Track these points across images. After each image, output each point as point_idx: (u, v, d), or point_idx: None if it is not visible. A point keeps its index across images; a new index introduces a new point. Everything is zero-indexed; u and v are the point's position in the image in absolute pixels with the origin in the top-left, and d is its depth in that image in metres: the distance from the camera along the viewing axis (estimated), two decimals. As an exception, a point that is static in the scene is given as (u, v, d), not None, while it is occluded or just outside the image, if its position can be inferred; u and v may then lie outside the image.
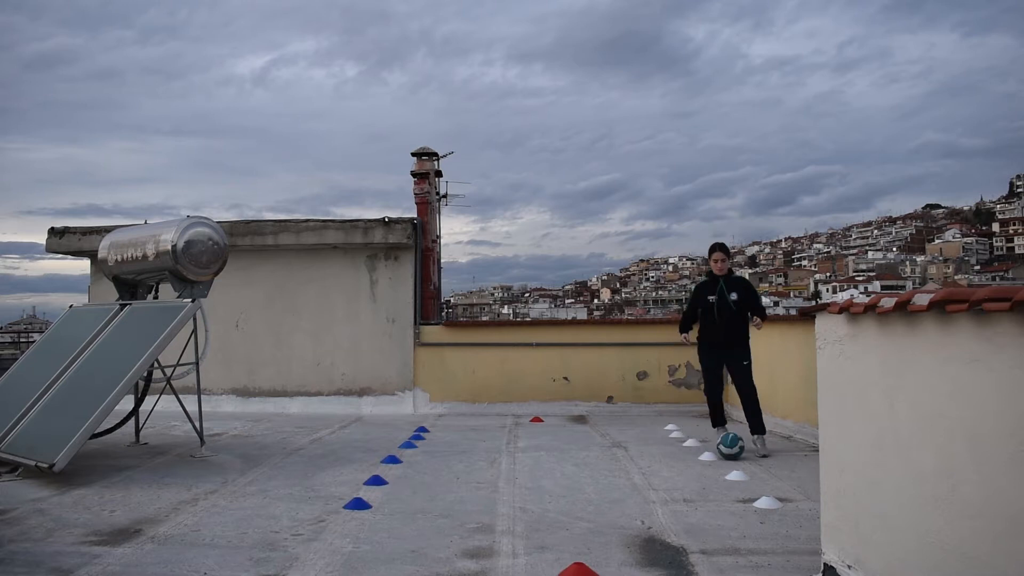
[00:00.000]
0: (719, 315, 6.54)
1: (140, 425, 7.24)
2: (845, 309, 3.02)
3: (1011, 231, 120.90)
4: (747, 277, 6.42)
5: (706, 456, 6.29)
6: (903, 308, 2.59)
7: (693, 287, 6.71)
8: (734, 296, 6.50)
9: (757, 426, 6.53)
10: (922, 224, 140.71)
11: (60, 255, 10.81)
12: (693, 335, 6.92)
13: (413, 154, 12.36)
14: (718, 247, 6.70)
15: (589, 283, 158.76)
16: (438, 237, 12.61)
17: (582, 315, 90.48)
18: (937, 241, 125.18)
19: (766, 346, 8.64)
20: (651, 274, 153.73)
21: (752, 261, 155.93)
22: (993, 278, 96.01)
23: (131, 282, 7.22)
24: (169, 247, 6.47)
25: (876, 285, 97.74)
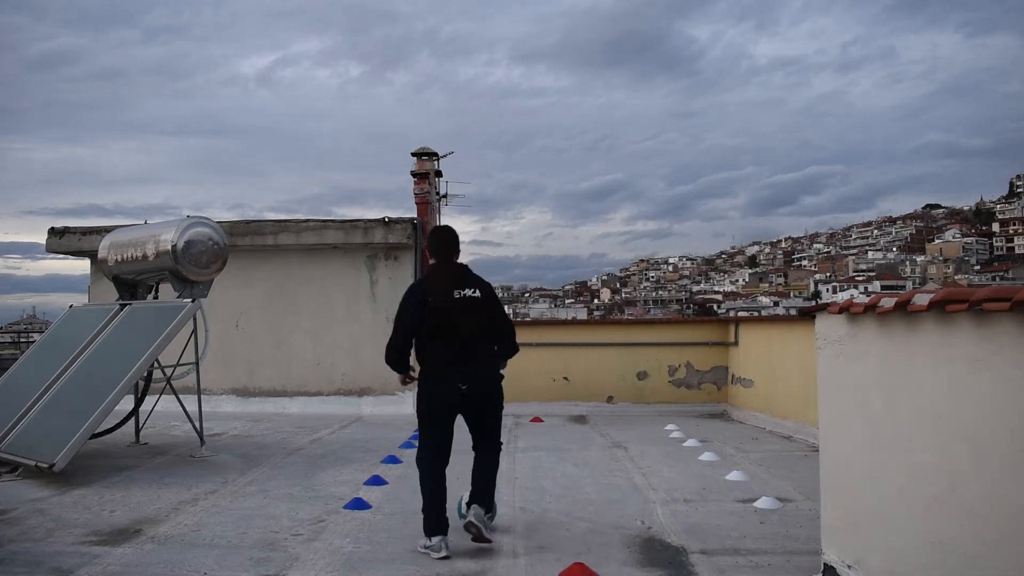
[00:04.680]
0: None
1: (140, 425, 7.23)
2: (845, 309, 3.02)
3: (1011, 231, 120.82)
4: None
5: (706, 456, 6.28)
6: (903, 308, 2.59)
7: None
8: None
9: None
10: (922, 224, 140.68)
11: (60, 255, 10.82)
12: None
13: (413, 154, 12.37)
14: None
15: (589, 283, 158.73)
16: (438, 237, 12.59)
17: (582, 315, 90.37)
18: (937, 241, 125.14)
19: (766, 346, 8.64)
20: (651, 274, 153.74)
21: (752, 261, 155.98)
22: (993, 278, 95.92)
23: (131, 282, 7.22)
24: (169, 247, 6.47)
25: (876, 285, 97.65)
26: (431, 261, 4.21)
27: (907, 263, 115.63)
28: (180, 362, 6.79)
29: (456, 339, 3.95)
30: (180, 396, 6.66)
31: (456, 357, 3.93)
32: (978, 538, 2.32)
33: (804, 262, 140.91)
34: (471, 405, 4.00)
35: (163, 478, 5.59)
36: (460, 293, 3.98)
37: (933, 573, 2.52)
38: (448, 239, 4.17)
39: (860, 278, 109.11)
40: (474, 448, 4.13)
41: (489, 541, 3.87)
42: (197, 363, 6.67)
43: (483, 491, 4.04)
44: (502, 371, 4.19)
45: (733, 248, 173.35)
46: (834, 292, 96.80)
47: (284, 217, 12.30)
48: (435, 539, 3.80)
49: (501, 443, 4.17)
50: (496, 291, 4.26)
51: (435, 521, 3.84)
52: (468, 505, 3.99)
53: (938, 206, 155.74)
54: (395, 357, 4.11)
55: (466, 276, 4.10)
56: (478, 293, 4.03)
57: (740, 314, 42.11)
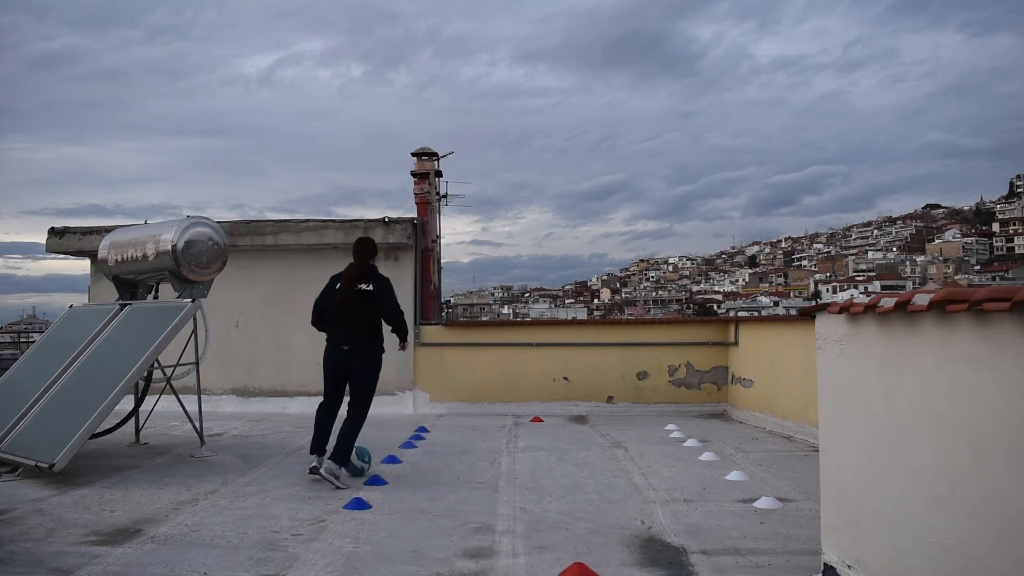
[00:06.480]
0: None
1: (140, 425, 7.24)
2: (845, 309, 3.02)
3: (1011, 231, 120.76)
4: None
5: (706, 456, 6.28)
6: (903, 308, 2.59)
7: None
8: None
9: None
10: (922, 224, 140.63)
11: (60, 255, 10.82)
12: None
13: (413, 154, 12.35)
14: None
15: (589, 283, 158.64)
16: (438, 237, 12.60)
17: (582, 315, 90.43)
18: (937, 241, 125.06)
19: (766, 346, 8.64)
20: (651, 274, 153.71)
21: (752, 261, 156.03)
22: (993, 278, 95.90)
23: (131, 282, 7.22)
24: (169, 247, 6.47)
25: (876, 285, 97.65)
26: (351, 261, 5.58)
27: (907, 263, 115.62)
28: (180, 362, 6.79)
29: (348, 318, 5.36)
30: (180, 396, 6.66)
31: (345, 330, 5.37)
32: (979, 538, 2.32)
33: (804, 262, 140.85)
34: (348, 372, 5.38)
35: (163, 478, 5.59)
36: (360, 286, 5.40)
37: (934, 573, 2.52)
38: (362, 247, 5.62)
39: (860, 278, 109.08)
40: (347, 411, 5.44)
41: (340, 487, 5.14)
42: (197, 363, 6.67)
43: (337, 450, 5.32)
44: (402, 348, 5.69)
45: (733, 248, 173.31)
46: (834, 292, 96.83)
47: (284, 217, 12.31)
48: (311, 456, 5.38)
49: (362, 413, 5.44)
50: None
51: (316, 443, 5.43)
52: (327, 458, 5.31)
53: (938, 206, 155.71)
54: (314, 323, 5.63)
55: (367, 274, 5.50)
56: (371, 287, 5.42)
57: (740, 314, 42.12)
